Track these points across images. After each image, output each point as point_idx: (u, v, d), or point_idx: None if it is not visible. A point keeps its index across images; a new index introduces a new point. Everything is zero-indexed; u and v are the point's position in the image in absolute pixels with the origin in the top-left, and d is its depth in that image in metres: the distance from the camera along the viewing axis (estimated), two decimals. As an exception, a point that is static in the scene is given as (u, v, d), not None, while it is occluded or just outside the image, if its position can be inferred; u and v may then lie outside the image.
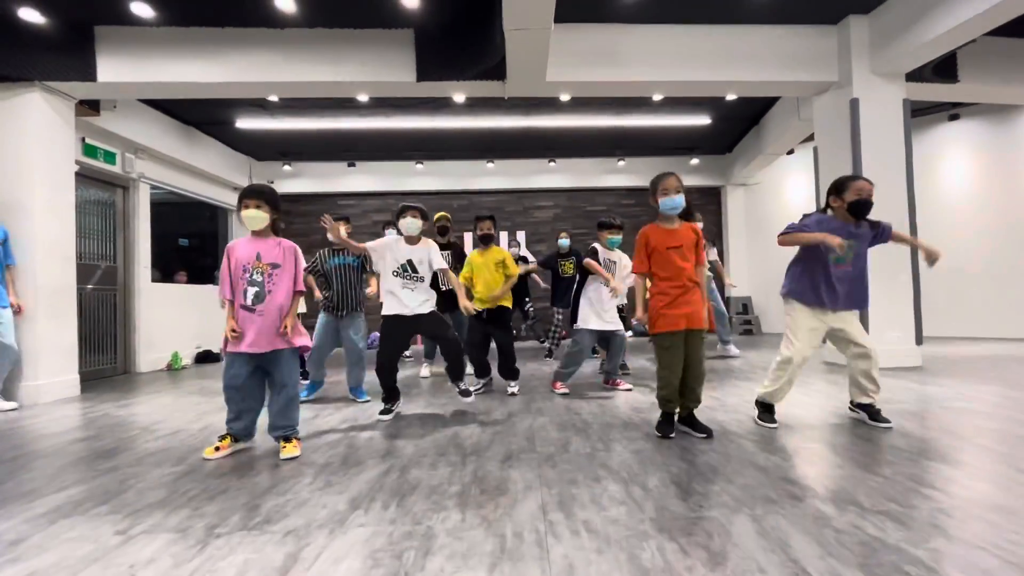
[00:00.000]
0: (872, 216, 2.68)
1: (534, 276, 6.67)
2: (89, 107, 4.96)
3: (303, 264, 2.65)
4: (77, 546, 1.64)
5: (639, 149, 8.63)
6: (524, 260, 7.05)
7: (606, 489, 1.96)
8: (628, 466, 2.21)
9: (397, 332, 3.20)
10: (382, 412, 3.25)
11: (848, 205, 2.63)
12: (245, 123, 6.78)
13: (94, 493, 2.10)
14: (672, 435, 2.62)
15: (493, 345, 4.06)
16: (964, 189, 7.38)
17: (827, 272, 2.65)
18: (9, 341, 4.01)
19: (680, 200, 2.55)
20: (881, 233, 2.72)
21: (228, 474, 2.28)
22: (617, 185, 9.16)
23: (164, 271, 7.00)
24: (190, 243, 9.28)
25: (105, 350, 5.82)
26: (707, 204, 9.43)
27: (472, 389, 3.56)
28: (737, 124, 7.72)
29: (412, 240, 3.24)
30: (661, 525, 1.64)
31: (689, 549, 1.48)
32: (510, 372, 3.96)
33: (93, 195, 5.68)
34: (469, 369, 3.94)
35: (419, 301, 3.17)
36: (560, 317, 6.14)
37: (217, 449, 2.47)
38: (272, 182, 8.73)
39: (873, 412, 2.74)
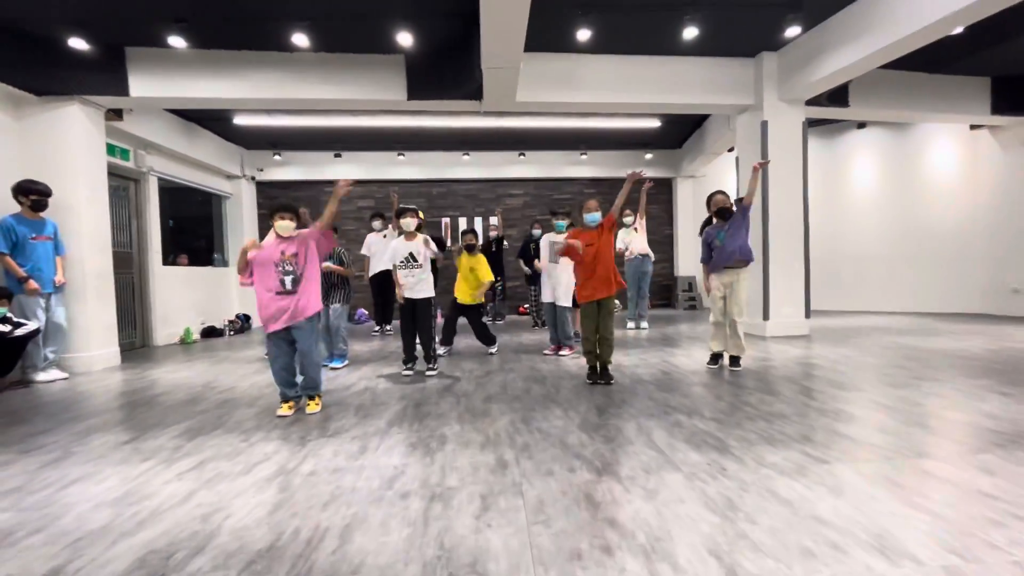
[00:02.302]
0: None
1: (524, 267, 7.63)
2: (114, 114, 5.61)
3: (314, 235, 3.27)
4: (220, 448, 2.62)
5: (599, 144, 9.64)
6: (501, 241, 8.08)
7: (552, 412, 3.06)
8: (569, 400, 3.32)
9: (407, 310, 4.29)
10: (404, 370, 4.36)
11: (715, 212, 4.09)
12: (242, 120, 7.43)
13: (205, 424, 3.07)
14: (597, 381, 3.79)
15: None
16: (869, 186, 8.73)
17: (718, 250, 4.12)
18: (61, 320, 4.77)
19: (598, 216, 3.77)
20: (742, 211, 4.02)
21: (300, 410, 3.27)
22: (580, 176, 10.18)
23: (162, 254, 7.64)
24: (184, 227, 9.83)
25: (125, 326, 6.57)
26: (659, 194, 10.56)
27: (439, 353, 4.66)
28: (683, 126, 8.82)
29: (410, 236, 4.23)
30: (582, 427, 2.74)
31: (595, 436, 2.59)
32: (487, 340, 5.26)
33: (109, 187, 6.32)
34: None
35: (420, 287, 4.22)
36: (534, 294, 7.39)
37: (290, 408, 3.24)
38: (262, 170, 9.39)
39: (733, 360, 4.13)
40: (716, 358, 4.24)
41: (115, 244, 6.39)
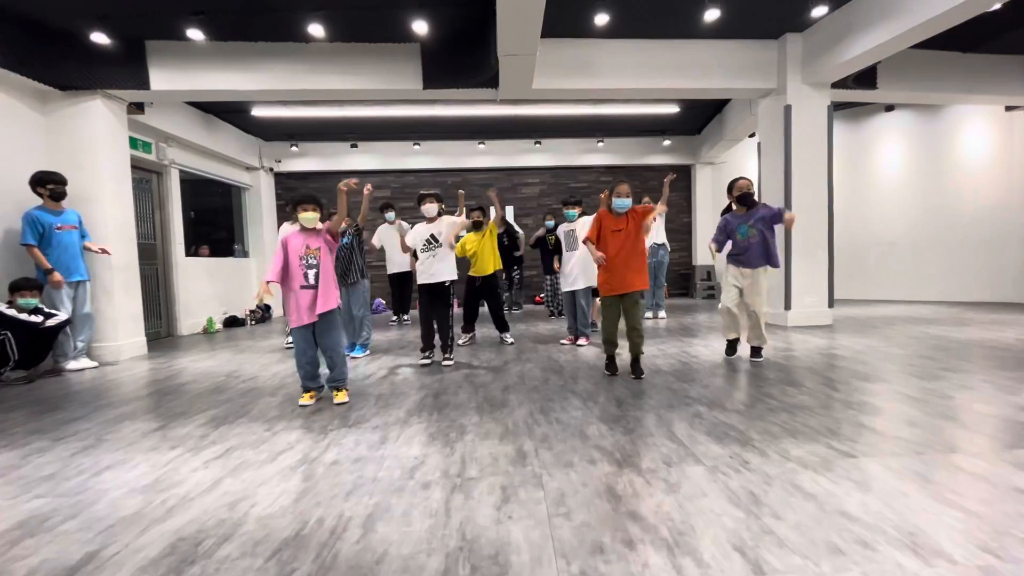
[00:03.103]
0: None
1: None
2: (136, 107, 5.69)
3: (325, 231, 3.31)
4: (246, 436, 2.67)
5: (616, 131, 9.50)
6: (511, 233, 8.07)
7: (571, 403, 3.05)
8: (587, 391, 3.31)
9: (426, 298, 4.27)
10: (422, 359, 4.33)
11: (736, 199, 3.89)
12: (260, 111, 7.48)
13: (229, 412, 3.13)
14: (615, 373, 3.72)
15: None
16: (896, 171, 8.47)
17: (738, 245, 3.97)
18: (89, 310, 4.89)
19: (628, 202, 3.57)
20: (777, 215, 3.86)
21: (320, 400, 3.31)
22: (597, 164, 10.06)
23: (184, 245, 7.77)
24: (205, 219, 10.01)
25: (151, 316, 6.72)
26: (678, 181, 10.38)
27: (460, 342, 4.53)
28: (703, 111, 8.63)
29: (431, 220, 4.25)
30: (601, 418, 2.73)
31: (614, 428, 2.57)
32: (502, 327, 5.28)
33: (133, 180, 6.42)
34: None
35: (440, 269, 4.20)
36: (550, 284, 7.37)
37: (311, 398, 3.26)
38: (280, 161, 9.47)
39: (754, 351, 4.03)
40: (733, 346, 4.13)
41: (139, 236, 6.51)
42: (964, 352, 4.14)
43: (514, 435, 2.53)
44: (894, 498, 1.74)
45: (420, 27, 4.84)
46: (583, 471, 2.06)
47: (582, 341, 5.03)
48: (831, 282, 5.91)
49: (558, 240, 5.57)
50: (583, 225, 4.90)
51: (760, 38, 5.75)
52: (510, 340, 5.24)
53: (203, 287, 7.51)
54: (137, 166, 6.42)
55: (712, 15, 4.82)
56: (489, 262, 5.16)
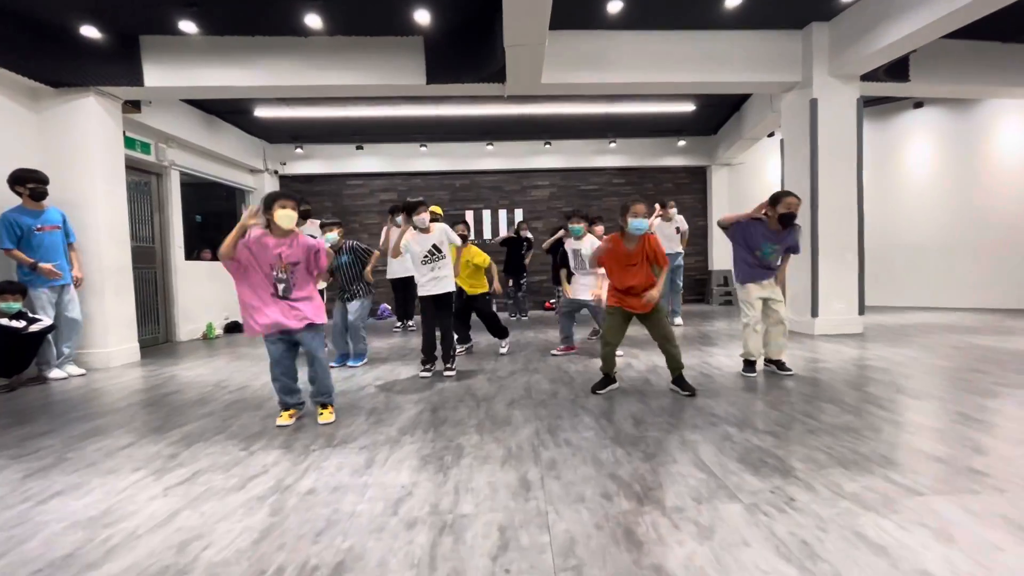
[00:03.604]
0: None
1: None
2: (132, 106, 5.52)
3: (319, 252, 2.91)
4: (218, 457, 2.40)
5: (629, 131, 9.18)
6: (528, 241, 7.80)
7: (582, 420, 2.73)
8: (600, 407, 2.99)
9: (428, 310, 4.01)
10: (422, 371, 4.04)
11: (779, 216, 3.42)
12: (263, 112, 7.30)
13: (207, 428, 2.86)
14: (600, 391, 3.28)
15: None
16: (925, 171, 8.04)
17: (757, 262, 3.57)
18: (76, 315, 4.66)
19: (644, 224, 3.12)
20: (790, 248, 3.55)
21: (301, 417, 3.03)
22: (609, 165, 9.75)
23: (187, 249, 7.60)
24: (208, 222, 9.86)
25: (148, 322, 6.53)
26: (693, 183, 10.05)
27: (455, 353, 4.20)
28: (720, 110, 8.28)
29: (427, 229, 3.95)
30: (617, 440, 2.41)
31: (633, 452, 2.25)
32: (498, 333, 4.93)
33: (131, 182, 6.25)
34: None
35: (441, 281, 3.93)
36: (560, 293, 7.07)
37: (291, 416, 2.93)
38: (284, 163, 9.30)
39: (780, 364, 3.65)
40: (752, 366, 3.65)
41: (137, 239, 6.35)
42: (1019, 364, 3.75)
43: (517, 459, 2.22)
44: (985, 553, 1.40)
45: (422, 17, 4.59)
46: (596, 508, 1.74)
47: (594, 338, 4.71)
48: (861, 287, 5.52)
49: (564, 253, 5.23)
50: (591, 244, 4.52)
51: (784, 28, 5.41)
52: (503, 349, 4.90)
53: (203, 292, 7.31)
54: (135, 167, 6.25)
55: (733, 2, 4.51)
56: (479, 284, 4.86)
